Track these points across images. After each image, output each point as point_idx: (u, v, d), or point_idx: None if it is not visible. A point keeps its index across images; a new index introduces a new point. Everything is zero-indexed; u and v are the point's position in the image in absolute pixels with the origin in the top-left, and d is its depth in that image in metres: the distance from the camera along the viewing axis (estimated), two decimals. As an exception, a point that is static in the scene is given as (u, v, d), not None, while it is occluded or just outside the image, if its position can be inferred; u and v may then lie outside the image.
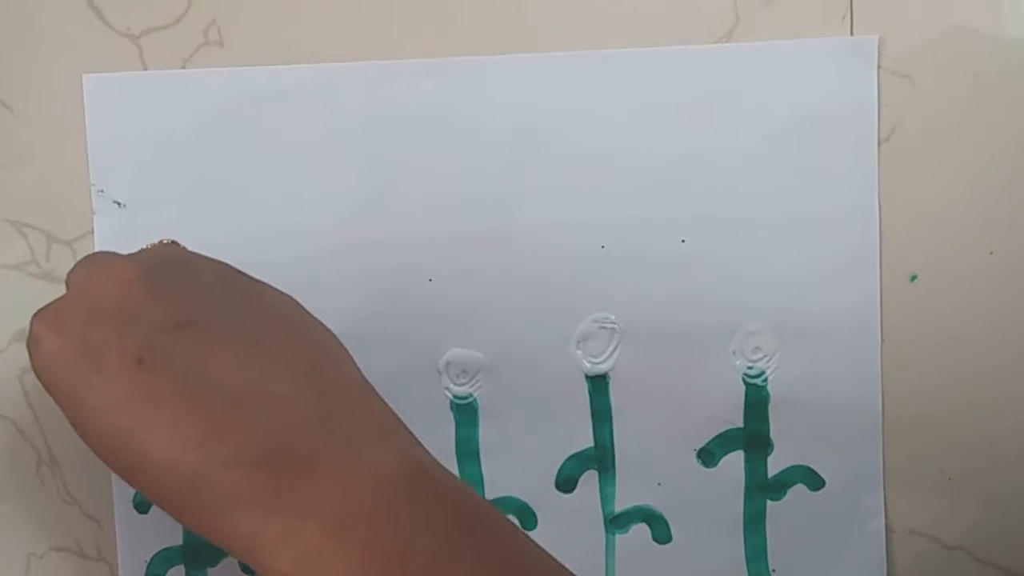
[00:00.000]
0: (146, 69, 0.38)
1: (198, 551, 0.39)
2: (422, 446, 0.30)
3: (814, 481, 0.40)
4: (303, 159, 0.39)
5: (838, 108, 0.38)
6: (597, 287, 0.39)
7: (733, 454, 0.40)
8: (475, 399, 0.39)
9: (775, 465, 0.40)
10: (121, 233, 0.38)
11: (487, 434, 0.40)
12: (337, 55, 0.38)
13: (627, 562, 0.40)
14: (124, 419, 0.27)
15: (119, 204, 0.39)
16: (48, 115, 0.38)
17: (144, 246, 0.34)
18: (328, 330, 0.33)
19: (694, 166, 0.39)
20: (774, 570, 0.40)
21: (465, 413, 0.39)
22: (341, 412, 0.29)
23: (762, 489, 0.40)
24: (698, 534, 0.40)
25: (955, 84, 0.39)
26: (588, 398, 0.40)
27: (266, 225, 0.39)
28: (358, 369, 0.32)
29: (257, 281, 0.33)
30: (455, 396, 0.39)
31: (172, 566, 0.40)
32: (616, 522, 0.40)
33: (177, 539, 0.39)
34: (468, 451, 0.40)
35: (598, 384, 0.39)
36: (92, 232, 0.39)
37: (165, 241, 0.35)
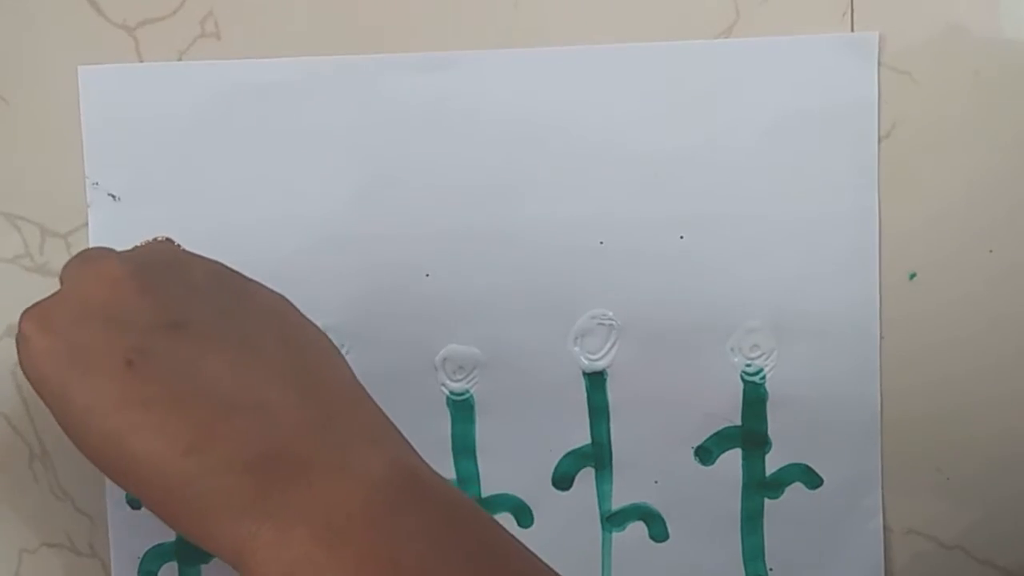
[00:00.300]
0: (142, 61, 0.38)
1: (191, 548, 0.39)
2: (414, 451, 0.30)
3: (812, 480, 0.40)
4: (300, 153, 0.38)
5: (838, 105, 0.38)
6: (595, 283, 0.39)
7: (731, 452, 0.40)
8: (471, 395, 0.39)
9: (773, 463, 0.40)
10: (116, 226, 0.38)
11: (483, 431, 0.39)
12: (334, 48, 0.38)
13: (624, 560, 0.40)
14: (113, 422, 0.27)
15: (114, 197, 0.38)
16: (43, 107, 0.38)
17: (138, 243, 0.34)
18: (321, 332, 0.33)
19: (693, 162, 0.38)
20: (771, 569, 0.40)
21: (461, 409, 0.39)
22: (333, 416, 0.29)
23: (760, 487, 0.40)
24: (695, 532, 0.40)
25: (955, 81, 0.38)
26: (585, 395, 0.39)
27: (262, 219, 0.38)
28: (351, 371, 0.32)
29: (250, 281, 0.33)
30: (451, 392, 0.39)
31: (165, 562, 0.39)
32: (613, 520, 0.40)
33: (170, 535, 0.39)
34: (464, 448, 0.39)
35: (595, 381, 0.39)
36: (87, 225, 0.38)
37: (159, 238, 0.35)
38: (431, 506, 0.28)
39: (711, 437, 0.40)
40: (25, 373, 0.28)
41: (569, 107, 0.38)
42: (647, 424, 0.39)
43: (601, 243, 0.39)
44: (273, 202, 0.38)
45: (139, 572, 0.39)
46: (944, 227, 0.39)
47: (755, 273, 0.39)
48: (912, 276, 0.39)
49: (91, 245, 0.38)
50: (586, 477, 0.40)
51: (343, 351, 0.38)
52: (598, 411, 0.39)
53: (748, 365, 0.39)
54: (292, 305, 0.33)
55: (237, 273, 0.33)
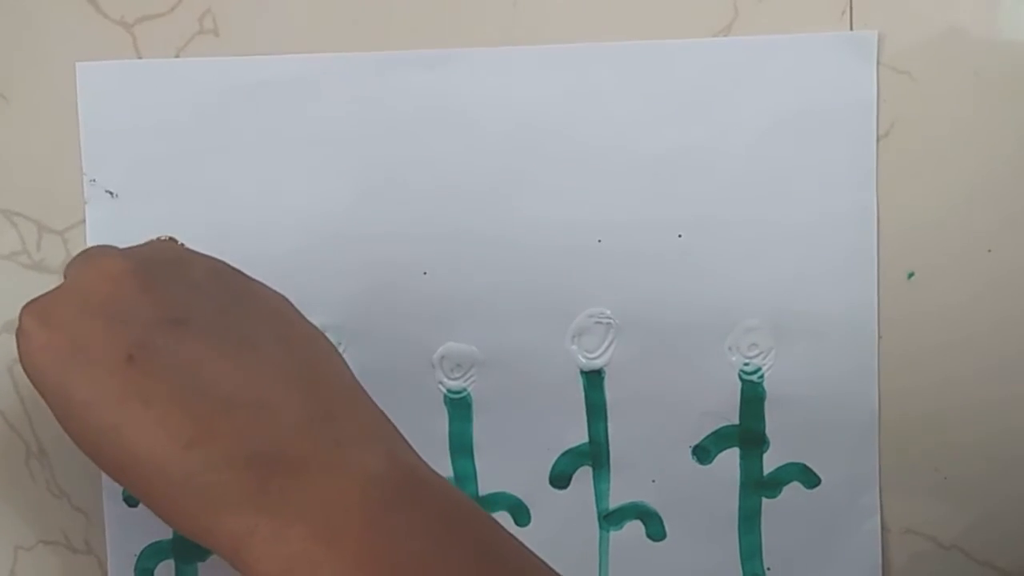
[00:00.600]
0: (140, 58, 0.38)
1: (188, 545, 0.39)
2: (412, 449, 0.30)
3: (810, 479, 0.40)
4: (298, 150, 0.38)
5: (837, 104, 0.38)
6: (593, 282, 0.39)
7: (728, 451, 0.40)
8: (469, 393, 0.39)
9: (771, 463, 0.40)
10: (113, 223, 0.38)
11: (481, 429, 0.39)
12: (333, 46, 0.38)
13: (621, 559, 0.40)
14: (113, 417, 0.27)
15: (111, 194, 0.38)
16: (41, 103, 0.38)
17: (140, 242, 0.34)
18: (319, 331, 0.33)
19: (692, 161, 0.38)
20: (769, 568, 0.40)
21: (459, 407, 0.39)
22: (331, 414, 0.29)
23: (757, 487, 0.40)
24: (693, 531, 0.40)
25: (955, 81, 0.38)
26: (583, 394, 0.39)
27: (260, 217, 0.38)
28: (349, 370, 0.32)
29: (251, 279, 0.33)
30: (449, 390, 0.39)
31: (162, 560, 0.39)
32: (610, 519, 0.40)
33: (167, 533, 0.39)
34: (461, 446, 0.39)
35: (593, 380, 0.39)
36: (84, 222, 0.38)
37: (162, 238, 0.35)
38: (429, 503, 0.28)
39: (709, 436, 0.40)
40: (24, 368, 0.28)
41: (567, 105, 0.38)
42: (645, 423, 0.39)
43: (599, 242, 0.39)
44: (271, 200, 0.38)
45: (135, 569, 0.39)
46: (943, 227, 0.39)
47: (753, 272, 0.39)
48: (911, 276, 0.39)
49: (88, 242, 0.38)
50: (583, 476, 0.40)
51: (341, 349, 0.38)
52: (596, 410, 0.39)
53: (746, 364, 0.39)
54: (292, 304, 0.33)
55: (238, 271, 0.33)
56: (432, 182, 0.38)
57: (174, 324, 0.28)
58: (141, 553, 0.39)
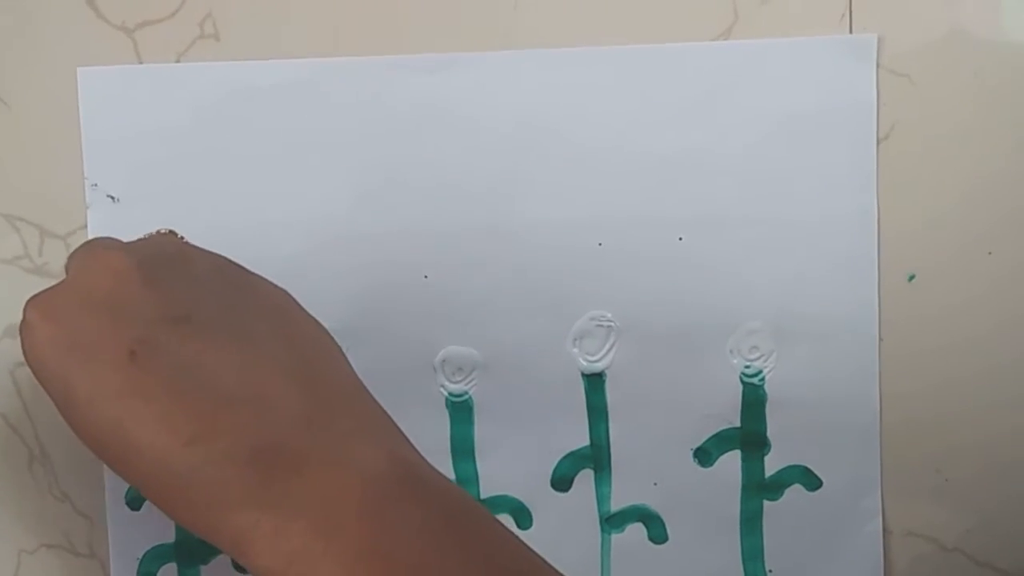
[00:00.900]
0: (141, 63, 0.38)
1: (190, 549, 0.39)
2: (412, 446, 0.30)
3: (811, 481, 0.40)
4: (299, 154, 0.38)
5: (837, 107, 0.38)
6: (594, 285, 0.39)
7: (730, 454, 0.40)
8: (470, 397, 0.39)
9: (772, 465, 0.40)
10: (115, 227, 0.38)
11: (482, 432, 0.39)
12: (334, 50, 0.38)
13: (623, 562, 0.40)
14: (115, 411, 0.27)
15: (113, 198, 0.38)
16: (42, 108, 0.38)
17: (142, 236, 0.34)
18: (321, 326, 0.33)
19: (692, 164, 0.38)
20: (771, 571, 0.40)
21: (460, 411, 0.39)
22: (332, 410, 0.29)
23: (759, 489, 0.40)
24: (694, 534, 0.40)
25: (954, 83, 0.38)
26: (584, 396, 0.39)
27: (261, 220, 0.38)
28: (350, 366, 0.32)
29: (252, 275, 0.33)
30: (450, 393, 0.39)
31: (164, 563, 0.39)
32: (612, 522, 0.40)
33: (169, 536, 0.39)
34: (463, 449, 0.39)
35: (594, 382, 0.39)
36: (86, 226, 0.38)
37: (163, 231, 0.35)
38: (429, 500, 0.28)
39: (710, 439, 0.40)
40: (28, 361, 0.29)
41: (568, 109, 0.38)
42: (646, 426, 0.39)
43: (600, 244, 0.39)
44: (272, 204, 0.38)
45: (138, 573, 0.39)
46: (943, 229, 0.39)
47: (754, 275, 0.39)
48: (911, 278, 0.39)
49: (91, 245, 0.38)
50: (585, 479, 0.40)
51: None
52: (597, 412, 0.39)
53: (747, 367, 0.39)
54: (294, 300, 0.33)
55: (240, 267, 0.33)
56: (433, 185, 0.38)
57: (176, 321, 0.29)
58: (144, 557, 0.39)
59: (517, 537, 0.29)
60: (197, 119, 0.38)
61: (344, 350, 0.35)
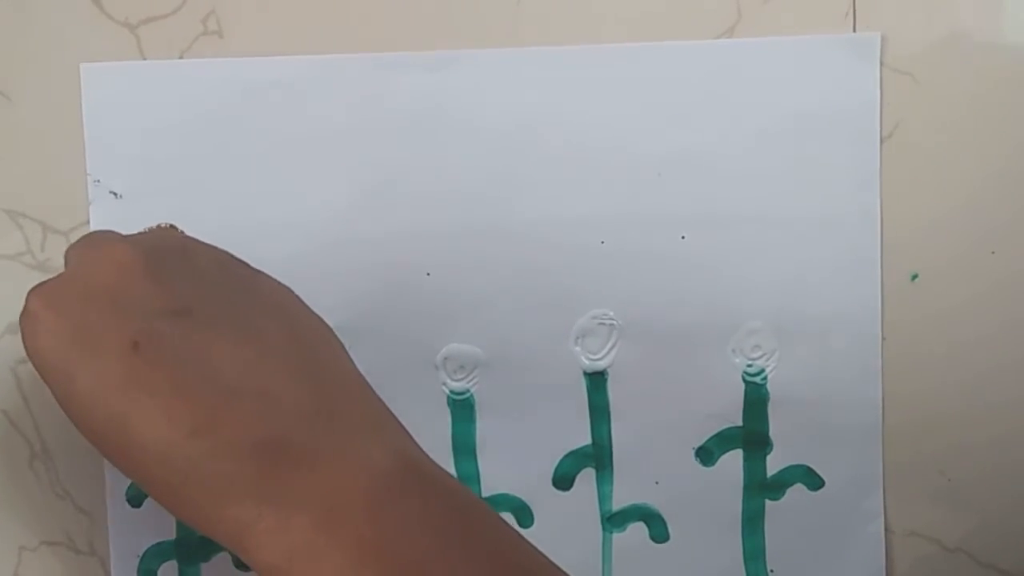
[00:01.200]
0: (144, 59, 0.38)
1: (191, 546, 0.39)
2: (415, 442, 0.30)
3: (813, 481, 0.40)
4: (301, 151, 0.38)
5: (840, 105, 0.38)
6: (596, 283, 0.39)
7: (732, 453, 0.40)
8: (472, 395, 0.39)
9: (774, 465, 0.40)
10: (117, 224, 0.38)
11: (484, 430, 0.39)
12: (337, 47, 0.38)
13: (624, 561, 0.40)
14: (117, 404, 0.27)
15: (115, 195, 0.38)
16: (45, 104, 0.38)
17: (143, 229, 0.34)
18: (323, 322, 0.33)
19: (695, 162, 0.38)
20: (772, 570, 0.40)
21: (462, 409, 0.39)
22: (335, 405, 0.29)
23: (761, 489, 0.40)
24: (696, 533, 0.40)
25: (958, 82, 0.38)
26: (586, 395, 0.39)
27: (264, 218, 0.38)
28: (353, 362, 0.32)
29: (254, 270, 0.33)
30: (452, 391, 0.39)
31: (165, 561, 0.39)
32: (613, 521, 0.40)
33: (170, 534, 0.39)
34: (464, 447, 0.39)
35: (596, 381, 0.39)
36: (88, 223, 0.38)
37: (164, 225, 0.35)
38: (431, 496, 0.28)
39: (712, 438, 0.39)
40: (28, 352, 0.28)
41: (570, 107, 0.38)
42: (648, 425, 0.39)
43: (602, 243, 0.39)
44: (275, 201, 0.38)
45: (139, 571, 0.39)
46: (946, 228, 0.39)
47: (756, 274, 0.39)
48: (914, 277, 0.39)
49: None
50: (587, 477, 0.40)
51: None
52: (599, 411, 0.39)
53: (749, 366, 0.39)
54: (296, 295, 0.33)
55: (242, 262, 0.33)
56: (435, 183, 0.38)
57: (179, 314, 0.28)
58: (144, 554, 0.39)
59: (520, 534, 0.29)
60: (200, 116, 0.38)
61: (346, 348, 0.35)
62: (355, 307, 0.39)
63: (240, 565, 0.39)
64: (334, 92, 0.38)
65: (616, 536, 0.40)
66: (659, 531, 0.40)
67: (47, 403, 0.39)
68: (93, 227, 0.38)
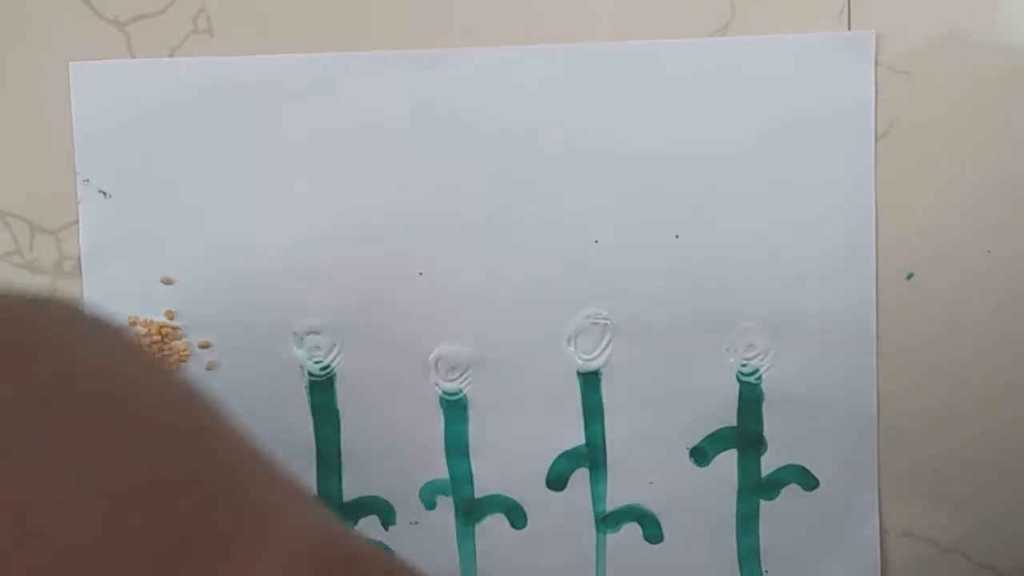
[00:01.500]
0: (134, 57, 0.38)
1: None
2: (335, 518, 0.25)
3: (808, 481, 0.39)
4: (293, 151, 0.38)
5: (835, 103, 0.38)
6: (590, 282, 0.39)
7: (726, 453, 0.39)
8: (465, 395, 0.39)
9: (769, 464, 0.39)
10: (106, 223, 0.38)
11: (476, 431, 0.39)
12: (328, 45, 0.38)
13: (618, 562, 0.40)
14: None
15: (105, 194, 0.38)
16: (34, 103, 0.38)
17: None
18: (173, 373, 0.27)
19: (689, 161, 0.38)
20: (767, 571, 0.40)
21: (454, 409, 0.39)
22: (239, 481, 0.24)
23: (755, 489, 0.39)
24: (690, 534, 0.40)
25: (953, 80, 0.38)
26: (579, 395, 0.39)
27: (254, 217, 0.38)
28: (242, 427, 0.27)
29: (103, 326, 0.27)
30: (444, 392, 0.39)
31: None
32: (607, 521, 0.40)
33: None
34: (457, 448, 0.39)
35: (590, 381, 0.39)
36: (77, 222, 0.38)
37: None
38: None
39: (706, 438, 0.39)
40: None
41: (564, 105, 0.38)
42: (642, 424, 0.39)
43: (596, 242, 0.38)
44: (265, 200, 0.38)
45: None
46: (942, 227, 0.39)
47: (751, 272, 0.39)
48: (910, 276, 0.39)
49: (81, 242, 0.38)
50: (580, 478, 0.39)
51: (335, 351, 0.37)
52: (592, 411, 0.39)
53: (744, 365, 0.39)
54: (140, 347, 0.27)
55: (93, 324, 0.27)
56: (428, 182, 0.38)
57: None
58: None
59: None
60: (190, 115, 0.38)
61: (337, 349, 0.34)
62: (347, 307, 0.38)
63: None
64: (325, 91, 0.38)
65: (610, 537, 0.40)
66: (653, 532, 0.40)
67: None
68: (82, 226, 0.38)
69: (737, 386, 0.39)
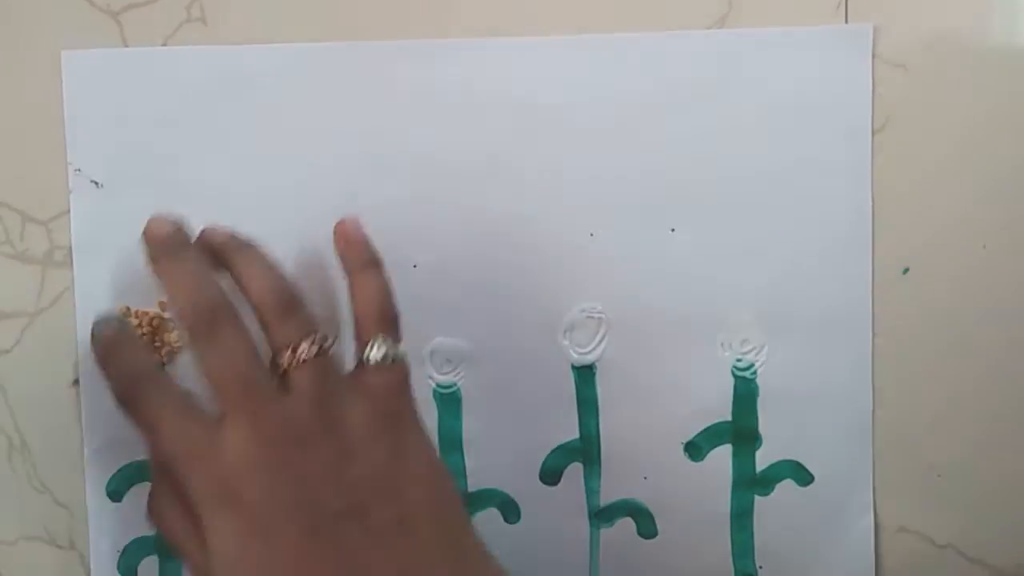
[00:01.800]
0: (127, 46, 0.38)
1: (173, 541, 0.38)
2: None
3: (803, 476, 0.39)
4: (286, 141, 0.38)
5: (832, 97, 0.38)
6: (585, 276, 0.38)
7: (721, 448, 0.39)
8: (459, 388, 0.39)
9: (763, 460, 0.39)
10: (98, 213, 0.38)
11: (470, 424, 0.39)
12: (322, 35, 0.38)
13: (612, 557, 0.40)
14: None
15: (96, 184, 0.38)
16: (25, 92, 0.38)
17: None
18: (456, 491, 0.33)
19: (685, 154, 0.38)
20: (761, 566, 0.40)
21: (448, 403, 0.39)
22: None
23: (750, 484, 0.39)
24: (684, 529, 0.39)
25: (950, 74, 0.38)
26: (574, 389, 0.39)
27: (247, 207, 0.38)
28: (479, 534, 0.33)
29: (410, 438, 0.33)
30: (438, 385, 0.39)
31: (145, 556, 0.39)
32: (601, 516, 0.39)
33: (151, 529, 0.38)
34: (451, 441, 0.39)
35: (584, 375, 0.39)
36: (68, 212, 0.38)
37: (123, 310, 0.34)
38: None
39: (701, 433, 0.39)
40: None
41: (560, 98, 0.38)
42: (636, 419, 0.39)
43: (591, 235, 0.38)
44: (258, 190, 0.38)
45: (119, 566, 0.39)
46: (938, 222, 0.39)
47: (746, 267, 0.38)
48: (905, 271, 0.39)
49: (73, 232, 0.38)
50: (574, 472, 0.39)
51: (330, 343, 0.37)
52: (587, 405, 0.39)
53: (739, 360, 0.39)
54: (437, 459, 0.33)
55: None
56: (423, 174, 0.38)
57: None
58: (125, 549, 0.39)
59: None
60: (183, 104, 0.38)
61: (332, 340, 0.34)
62: (341, 300, 0.38)
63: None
64: (319, 81, 0.38)
65: (604, 531, 0.40)
66: (647, 526, 0.39)
67: (24, 395, 0.38)
68: (73, 216, 0.38)
69: (732, 381, 0.39)
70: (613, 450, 0.39)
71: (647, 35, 0.38)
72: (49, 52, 0.37)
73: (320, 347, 0.31)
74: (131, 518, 0.38)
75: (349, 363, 0.33)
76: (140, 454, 0.38)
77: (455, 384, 0.39)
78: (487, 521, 0.39)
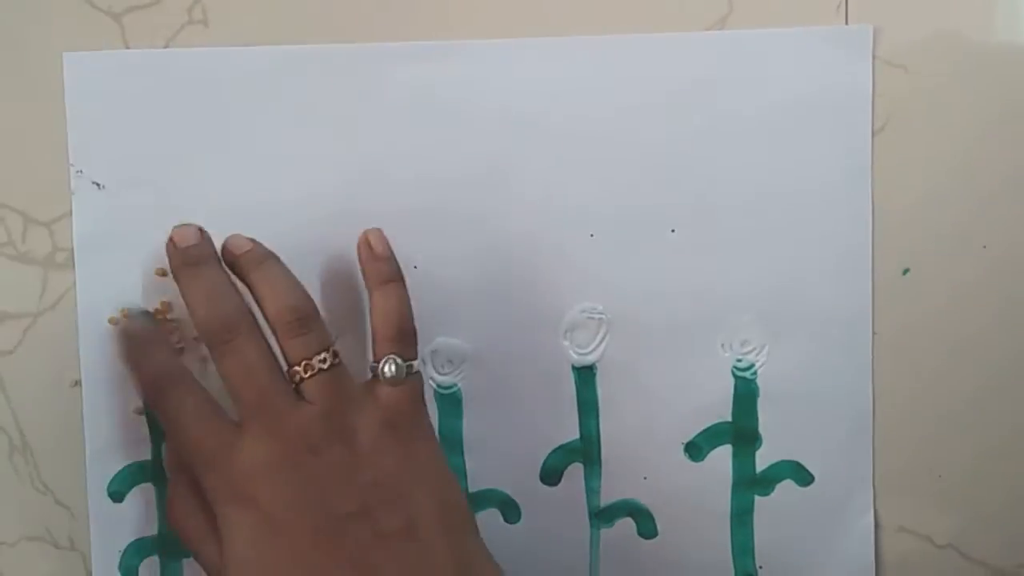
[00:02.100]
0: (128, 48, 0.38)
1: (173, 542, 0.39)
2: None
3: (803, 477, 0.39)
4: (287, 142, 0.38)
5: (832, 98, 0.38)
6: (585, 277, 0.39)
7: (721, 448, 0.39)
8: (459, 389, 0.39)
9: (763, 460, 0.39)
10: (100, 215, 0.38)
11: (471, 425, 0.39)
12: (323, 37, 0.38)
13: (612, 557, 0.40)
14: None
15: (98, 185, 0.38)
16: (27, 93, 0.38)
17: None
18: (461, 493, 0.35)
19: (685, 155, 0.38)
20: (761, 566, 0.40)
21: (449, 403, 0.39)
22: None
23: (750, 484, 0.39)
24: (684, 529, 0.39)
25: (950, 75, 0.38)
26: (574, 389, 0.39)
27: (247, 209, 0.38)
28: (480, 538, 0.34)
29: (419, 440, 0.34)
30: (439, 385, 0.39)
31: (146, 557, 0.39)
32: (601, 516, 0.40)
33: (152, 530, 0.39)
34: (451, 442, 0.39)
35: (585, 375, 0.39)
36: (70, 214, 0.38)
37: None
38: None
39: (701, 433, 0.39)
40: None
41: (561, 99, 0.38)
42: (636, 419, 0.39)
43: (592, 236, 0.38)
44: (258, 192, 0.38)
45: (120, 566, 0.39)
46: (938, 223, 0.39)
47: (747, 267, 0.39)
48: (905, 272, 0.39)
49: (75, 234, 0.38)
50: (574, 473, 0.39)
51: (339, 360, 0.37)
52: (587, 406, 0.39)
53: (739, 360, 0.39)
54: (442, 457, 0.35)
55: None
56: (423, 175, 0.38)
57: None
58: (126, 550, 0.39)
59: None
60: (184, 106, 0.38)
61: (333, 340, 0.34)
62: (342, 299, 0.38)
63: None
64: (320, 83, 0.38)
65: (604, 532, 0.40)
66: (647, 527, 0.40)
67: (26, 395, 0.38)
68: (75, 218, 0.38)
69: (732, 381, 0.39)
70: (613, 450, 0.39)
71: (647, 36, 0.38)
72: (51, 54, 0.37)
73: (333, 361, 0.33)
74: (132, 519, 0.38)
75: (346, 360, 0.33)
76: (141, 455, 0.38)
77: (456, 384, 0.39)
78: (487, 521, 0.39)
